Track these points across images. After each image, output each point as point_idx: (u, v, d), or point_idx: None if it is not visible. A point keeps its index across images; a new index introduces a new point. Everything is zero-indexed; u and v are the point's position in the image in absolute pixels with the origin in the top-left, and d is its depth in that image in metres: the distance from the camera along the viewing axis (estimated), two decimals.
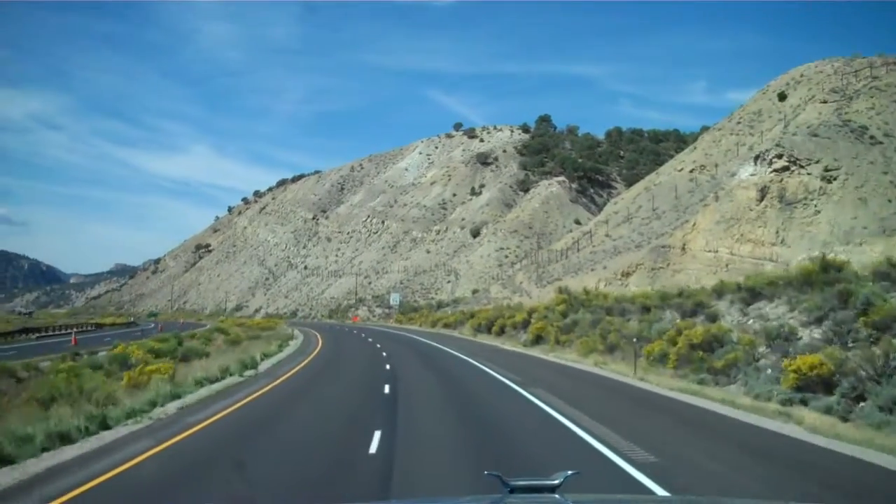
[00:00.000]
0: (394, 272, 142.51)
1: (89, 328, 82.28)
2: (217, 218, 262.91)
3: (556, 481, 3.31)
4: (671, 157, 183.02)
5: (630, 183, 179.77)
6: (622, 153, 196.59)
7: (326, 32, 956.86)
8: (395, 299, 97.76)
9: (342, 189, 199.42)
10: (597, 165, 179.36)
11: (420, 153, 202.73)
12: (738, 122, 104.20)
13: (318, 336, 53.43)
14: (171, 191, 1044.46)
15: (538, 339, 36.54)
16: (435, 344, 43.53)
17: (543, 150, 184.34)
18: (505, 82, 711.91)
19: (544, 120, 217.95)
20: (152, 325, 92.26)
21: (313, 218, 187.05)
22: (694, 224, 65.79)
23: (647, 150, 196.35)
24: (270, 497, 8.77)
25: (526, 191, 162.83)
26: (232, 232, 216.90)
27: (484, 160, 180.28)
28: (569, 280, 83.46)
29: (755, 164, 60.25)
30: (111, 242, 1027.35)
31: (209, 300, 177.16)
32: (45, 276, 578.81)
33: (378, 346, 41.08)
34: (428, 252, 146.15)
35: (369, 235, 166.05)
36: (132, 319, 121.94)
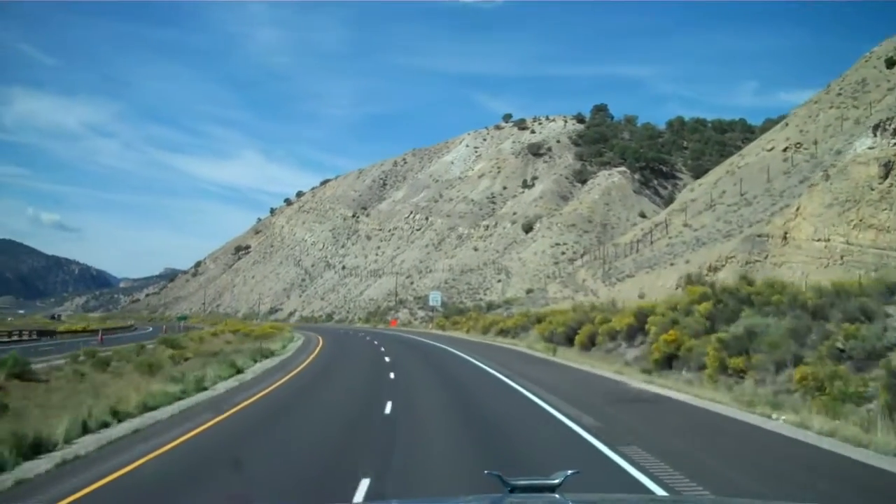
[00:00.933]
0: (438, 271, 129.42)
1: (82, 332, 72.67)
2: (259, 219, 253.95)
3: (556, 481, 3.26)
4: (738, 147, 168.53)
5: (697, 174, 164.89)
6: (685, 143, 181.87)
7: (373, 36, 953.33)
8: (435, 299, 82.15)
9: (384, 185, 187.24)
10: (660, 155, 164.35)
11: (467, 146, 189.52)
12: (839, 94, 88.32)
13: (315, 352, 39.06)
14: (221, 196, 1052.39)
15: (668, 361, 22.25)
16: (503, 378, 24.01)
17: (601, 139, 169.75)
18: (552, 84, 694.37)
19: (600, 109, 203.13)
20: (150, 328, 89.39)
21: (353, 215, 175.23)
22: (798, 209, 51.31)
23: (712, 140, 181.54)
24: None
25: (583, 182, 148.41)
26: (270, 232, 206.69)
27: (536, 151, 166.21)
28: (642, 276, 70.47)
29: (875, 134, 45.57)
30: (161, 247, 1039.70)
31: (243, 303, 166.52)
32: (94, 281, 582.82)
33: (390, 377, 24.09)
34: (475, 249, 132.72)
35: (412, 232, 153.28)
36: (131, 323, 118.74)
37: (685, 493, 8.27)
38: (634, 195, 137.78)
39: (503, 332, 48.27)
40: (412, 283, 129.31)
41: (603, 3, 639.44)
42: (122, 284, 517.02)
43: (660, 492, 8.30)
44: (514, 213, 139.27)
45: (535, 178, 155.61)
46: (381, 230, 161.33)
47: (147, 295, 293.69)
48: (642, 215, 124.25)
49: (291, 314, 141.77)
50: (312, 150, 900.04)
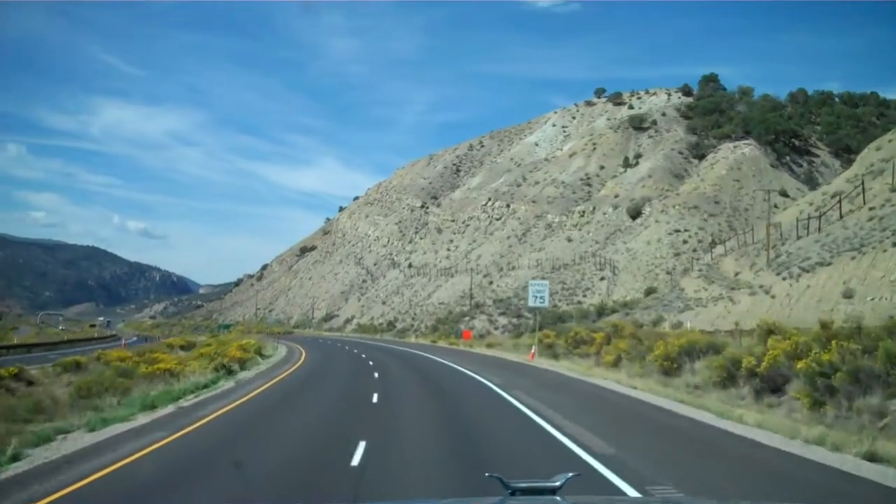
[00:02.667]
0: (523, 268, 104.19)
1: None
2: (328, 219, 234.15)
3: (557, 483, 3.24)
4: (874, 123, 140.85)
5: (835, 149, 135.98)
6: (815, 117, 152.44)
7: (448, 43, 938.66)
8: (538, 292, 43.67)
9: (457, 171, 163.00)
10: (792, 127, 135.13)
11: (553, 125, 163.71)
12: None
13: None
14: (301, 202, 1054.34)
15: None
16: None
17: (716, 110, 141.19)
18: (630, 87, 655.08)
19: (710, 80, 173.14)
20: (135, 338, 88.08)
21: (422, 206, 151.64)
22: None
23: (844, 114, 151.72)
24: None
25: (700, 158, 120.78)
26: (333, 229, 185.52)
27: (638, 124, 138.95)
28: (844, 263, 44.39)
29: None
30: (243, 254, 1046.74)
31: (297, 309, 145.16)
32: (175, 287, 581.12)
33: None
34: (569, 240, 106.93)
35: (490, 223, 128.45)
36: (113, 333, 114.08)
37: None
38: (772, 170, 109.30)
39: (670, 365, 22.59)
40: (491, 282, 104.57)
41: (679, 4, 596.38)
42: (201, 291, 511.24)
43: None
44: (616, 196, 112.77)
45: (638, 155, 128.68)
46: (453, 221, 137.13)
47: (211, 301, 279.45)
48: (784, 194, 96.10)
49: (348, 321, 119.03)
50: (390, 157, 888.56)
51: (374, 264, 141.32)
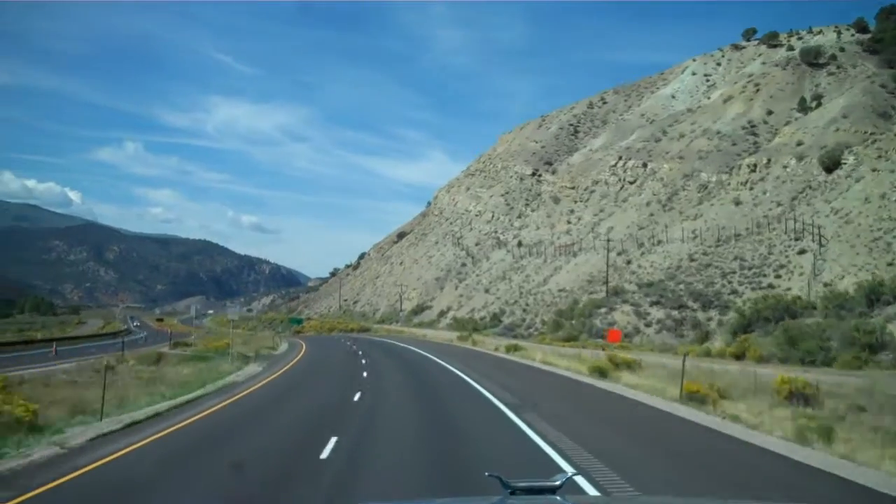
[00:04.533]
0: (674, 241, 76.47)
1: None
2: (429, 204, 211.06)
3: (557, 482, 3.19)
4: None
5: None
6: None
7: (554, 32, 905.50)
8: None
9: (575, 132, 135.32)
10: None
11: (693, 73, 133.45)
12: None
13: None
14: (409, 196, 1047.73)
15: None
16: None
17: None
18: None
19: (892, 13, 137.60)
20: (144, 335, 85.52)
21: (533, 173, 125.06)
22: None
23: None
24: None
25: None
26: (430, 210, 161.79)
27: (814, 59, 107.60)
28: None
29: None
30: (352, 247, 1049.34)
31: (384, 300, 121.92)
32: (284, 280, 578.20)
33: None
34: (737, 203, 78.38)
35: (622, 187, 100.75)
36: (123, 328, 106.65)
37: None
38: None
39: None
40: (629, 261, 77.40)
41: None
42: (310, 283, 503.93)
43: None
44: (799, 145, 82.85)
45: (817, 95, 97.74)
46: (573, 188, 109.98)
47: (308, 293, 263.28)
48: None
49: (442, 314, 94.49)
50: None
51: (476, 244, 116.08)
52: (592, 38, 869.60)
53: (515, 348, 38.08)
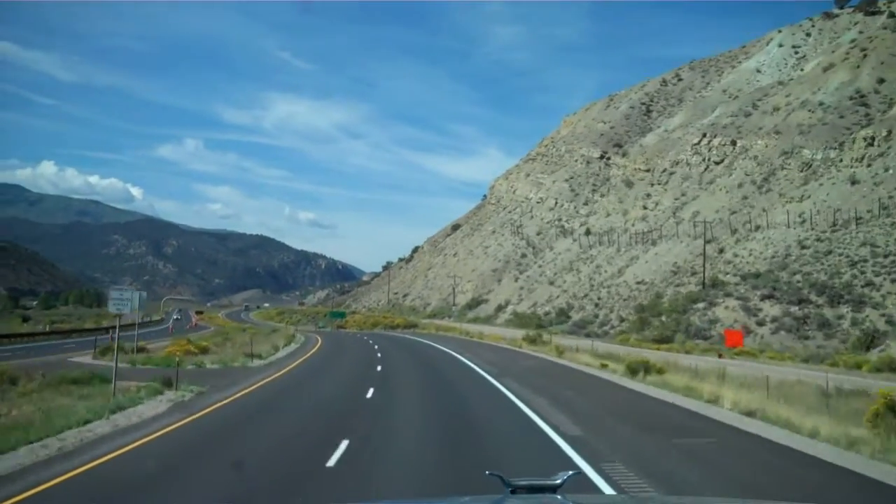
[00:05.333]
0: (777, 226, 64.60)
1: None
2: (484, 197, 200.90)
3: (558, 481, 3.10)
4: None
5: None
6: None
7: (614, 28, 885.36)
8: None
9: (647, 112, 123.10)
10: None
11: (780, 45, 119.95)
12: None
13: None
14: (464, 192, 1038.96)
15: None
16: None
17: None
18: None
19: None
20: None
21: (601, 156, 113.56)
22: None
23: None
24: None
25: None
26: (486, 201, 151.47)
27: None
28: None
29: None
30: (407, 242, 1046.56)
31: (436, 293, 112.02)
32: (340, 274, 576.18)
33: None
34: (854, 182, 65.96)
35: (707, 168, 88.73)
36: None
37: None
38: None
39: None
40: (721, 249, 65.78)
41: None
42: (364, 278, 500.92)
43: None
44: None
45: None
46: (648, 171, 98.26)
47: (359, 286, 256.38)
48: None
49: (500, 309, 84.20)
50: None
51: (537, 233, 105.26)
52: (656, 33, 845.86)
53: (646, 369, 21.66)
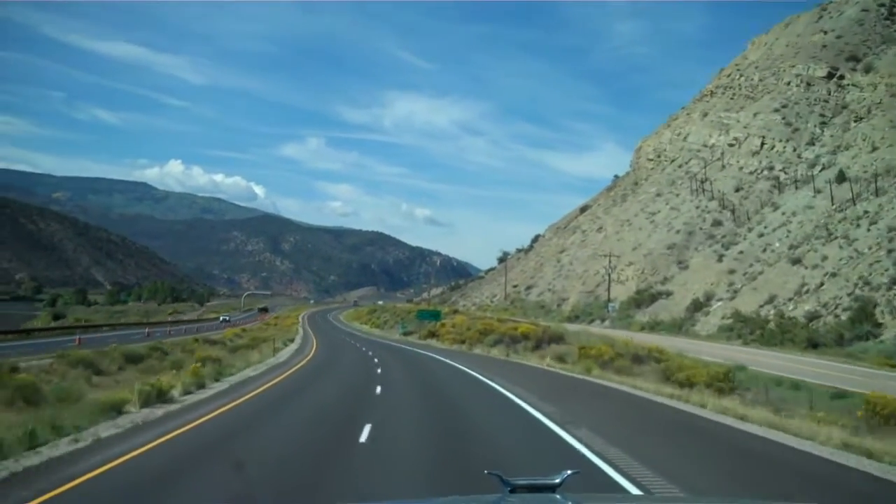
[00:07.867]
0: None
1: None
2: (616, 177, 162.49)
3: (557, 480, 3.11)
4: None
5: None
6: None
7: (735, 22, 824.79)
8: None
9: (891, 12, 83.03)
10: None
11: None
12: None
13: None
14: (582, 189, 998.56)
15: None
16: None
17: None
18: None
19: None
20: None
21: (827, 75, 75.19)
22: None
23: None
24: None
25: None
26: (637, 163, 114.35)
27: None
28: None
29: None
30: (523, 238, 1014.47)
31: (574, 283, 76.70)
32: (455, 271, 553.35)
33: None
34: None
35: None
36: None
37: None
38: None
39: None
40: None
41: None
42: (481, 275, 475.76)
43: None
44: None
45: None
46: None
47: (472, 281, 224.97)
48: None
49: (699, 307, 48.29)
50: None
51: (736, 190, 68.42)
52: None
53: None
